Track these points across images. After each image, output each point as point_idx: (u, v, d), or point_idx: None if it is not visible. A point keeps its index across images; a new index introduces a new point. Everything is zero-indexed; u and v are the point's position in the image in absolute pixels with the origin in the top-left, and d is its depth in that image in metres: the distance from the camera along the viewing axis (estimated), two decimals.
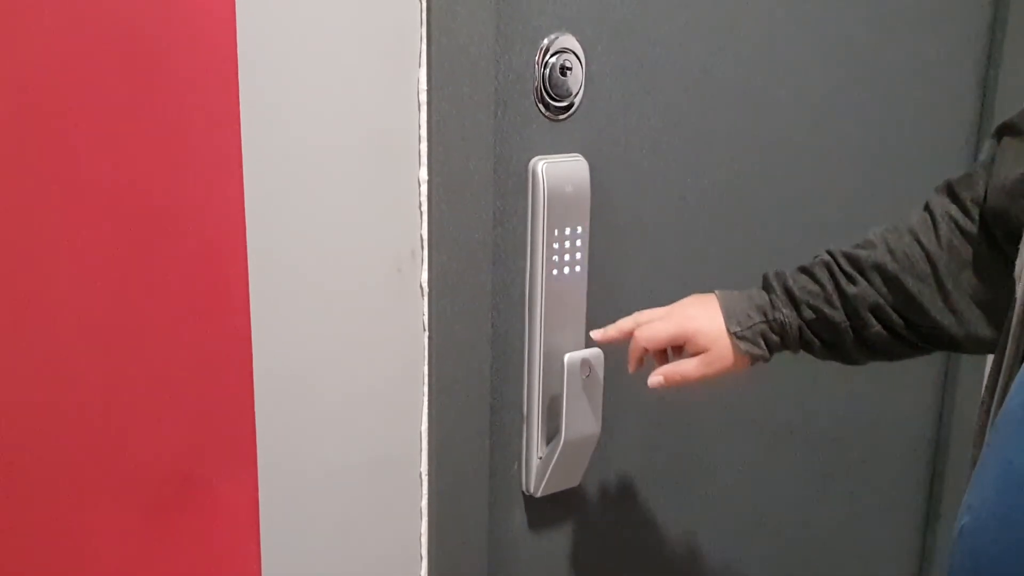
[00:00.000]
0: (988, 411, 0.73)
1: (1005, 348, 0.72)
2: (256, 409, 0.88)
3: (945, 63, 1.39)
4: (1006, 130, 0.84)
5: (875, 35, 1.29)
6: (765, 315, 0.91)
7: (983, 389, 0.75)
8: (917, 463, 1.57)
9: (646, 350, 0.95)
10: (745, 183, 1.22)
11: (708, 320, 0.92)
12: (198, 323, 0.83)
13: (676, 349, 0.95)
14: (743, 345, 0.91)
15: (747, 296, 0.93)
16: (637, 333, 0.94)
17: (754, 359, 0.92)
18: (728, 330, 0.91)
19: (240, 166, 0.83)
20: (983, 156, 0.86)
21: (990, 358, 0.78)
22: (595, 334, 0.98)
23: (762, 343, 0.92)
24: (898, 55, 1.33)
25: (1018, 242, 0.80)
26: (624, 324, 0.96)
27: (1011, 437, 0.63)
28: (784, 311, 0.91)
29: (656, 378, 0.94)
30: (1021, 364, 0.68)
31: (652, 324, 0.94)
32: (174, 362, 0.82)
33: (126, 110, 0.76)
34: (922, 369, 1.50)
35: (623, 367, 1.13)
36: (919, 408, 1.53)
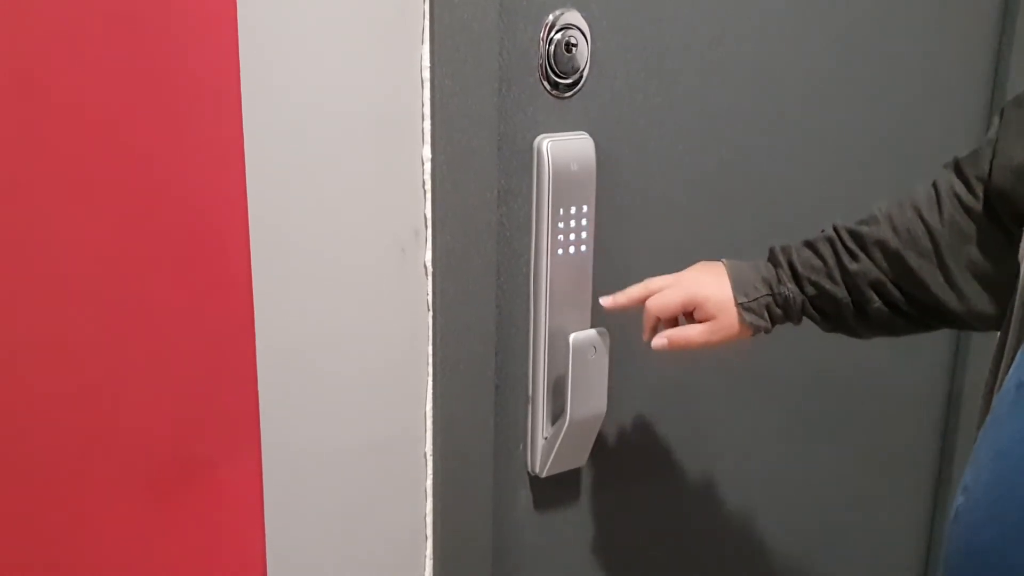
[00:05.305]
0: (991, 393, 0.73)
1: (1008, 331, 0.72)
2: (259, 389, 0.88)
3: (957, 43, 1.37)
4: (1012, 104, 0.83)
5: (886, 14, 1.27)
6: (771, 288, 0.94)
7: (987, 372, 0.75)
8: (928, 435, 1.56)
9: (659, 319, 0.97)
10: (752, 161, 1.20)
11: (717, 288, 0.94)
12: (200, 303, 0.83)
13: (686, 314, 0.97)
14: (748, 316, 0.93)
15: (754, 267, 0.95)
16: (649, 303, 0.96)
17: (756, 330, 0.95)
18: (736, 300, 0.93)
19: (242, 145, 0.82)
20: (990, 133, 0.85)
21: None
22: (604, 301, 1.00)
23: (766, 315, 0.94)
24: (909, 35, 1.31)
25: (1022, 222, 0.79)
26: (635, 292, 0.98)
27: (1005, 418, 0.63)
28: (789, 286, 0.93)
29: (660, 341, 0.96)
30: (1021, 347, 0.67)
31: (664, 293, 0.96)
32: (176, 342, 0.82)
33: (123, 82, 0.75)
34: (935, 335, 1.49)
35: (629, 347, 1.13)
36: (931, 373, 1.53)
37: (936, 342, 1.51)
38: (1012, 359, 0.68)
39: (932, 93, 1.37)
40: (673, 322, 0.98)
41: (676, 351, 0.96)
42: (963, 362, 1.52)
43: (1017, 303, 0.72)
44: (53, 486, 0.79)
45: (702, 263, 0.98)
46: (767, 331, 0.95)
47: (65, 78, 0.73)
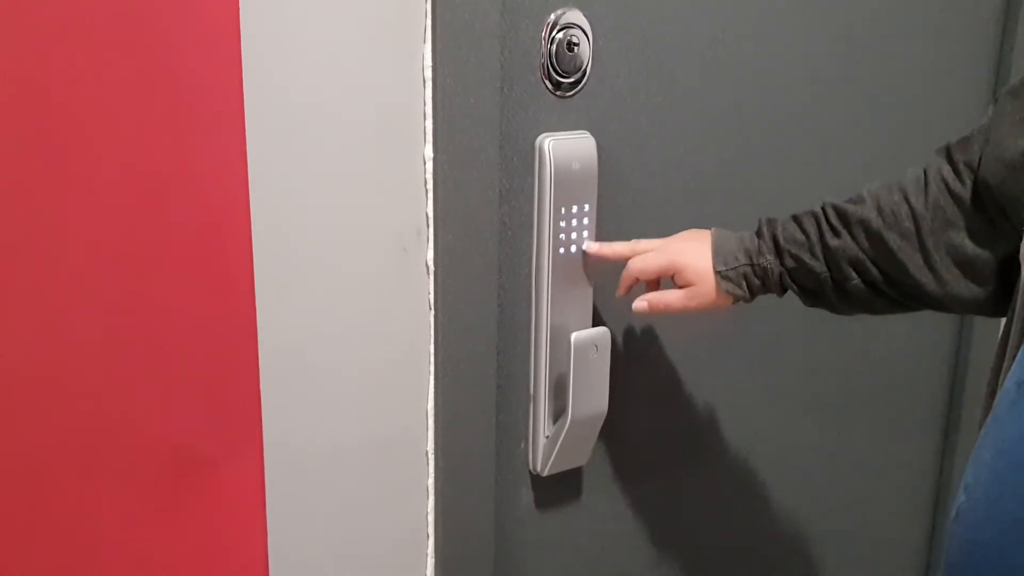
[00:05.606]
0: (993, 392, 0.73)
1: (1010, 330, 0.72)
2: (261, 388, 0.88)
3: (958, 43, 1.37)
4: (1007, 93, 0.83)
5: (887, 14, 1.28)
6: (751, 259, 0.95)
7: (989, 371, 0.75)
8: (929, 434, 1.57)
9: (637, 279, 1.00)
10: (752, 161, 1.21)
11: (698, 256, 0.96)
12: (202, 302, 0.83)
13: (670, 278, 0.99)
14: (725, 284, 0.95)
15: (739, 238, 0.97)
16: (631, 263, 0.99)
17: (735, 299, 0.96)
18: (714, 268, 0.95)
19: (243, 145, 0.82)
20: (983, 120, 0.85)
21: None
22: (590, 246, 1.03)
23: (744, 285, 0.96)
24: (909, 35, 1.31)
25: (1008, 210, 0.80)
26: (620, 249, 1.01)
27: (1005, 417, 0.63)
28: (768, 257, 0.95)
29: (641, 304, 0.99)
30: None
31: (646, 256, 0.98)
32: (178, 341, 0.82)
33: (125, 83, 0.75)
34: (937, 333, 1.50)
35: (630, 346, 1.13)
36: (933, 372, 1.53)
37: (938, 340, 1.51)
38: (1014, 358, 0.69)
39: (932, 93, 1.37)
40: (655, 284, 1.01)
41: (657, 315, 0.98)
42: (965, 360, 1.52)
43: (1019, 303, 0.72)
44: (54, 485, 0.79)
45: (692, 230, 1.01)
46: (746, 300, 0.97)
47: (67, 79, 0.73)
